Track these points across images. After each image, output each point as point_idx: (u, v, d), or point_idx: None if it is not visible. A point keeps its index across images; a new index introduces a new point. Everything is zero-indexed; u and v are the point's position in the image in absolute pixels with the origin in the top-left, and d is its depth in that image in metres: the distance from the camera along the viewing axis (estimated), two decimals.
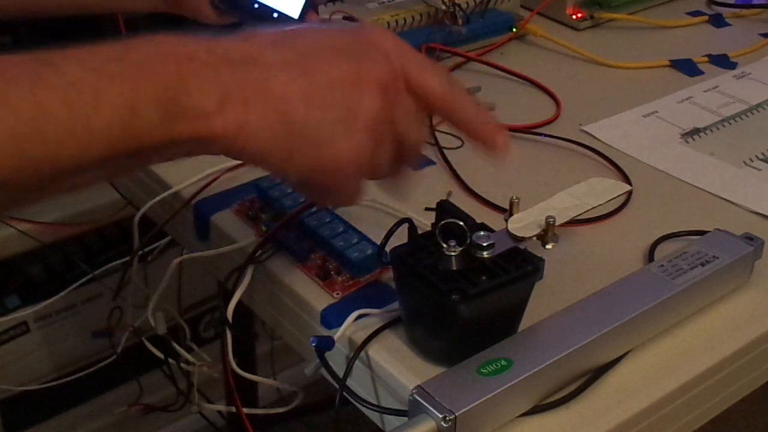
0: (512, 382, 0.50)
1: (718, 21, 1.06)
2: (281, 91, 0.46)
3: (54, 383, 1.13)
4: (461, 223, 0.52)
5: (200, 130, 0.44)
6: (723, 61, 0.96)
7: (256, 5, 0.76)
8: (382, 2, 0.92)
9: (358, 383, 0.56)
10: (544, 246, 0.54)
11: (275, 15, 0.76)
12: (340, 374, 0.55)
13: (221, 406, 0.69)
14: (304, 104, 0.46)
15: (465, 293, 0.50)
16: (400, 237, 0.55)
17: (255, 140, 0.45)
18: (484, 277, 0.51)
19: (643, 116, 0.85)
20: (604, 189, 0.59)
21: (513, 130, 0.80)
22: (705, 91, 0.90)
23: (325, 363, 0.56)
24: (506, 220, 0.55)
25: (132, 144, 0.43)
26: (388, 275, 0.59)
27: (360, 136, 0.47)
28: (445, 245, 0.51)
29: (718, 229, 0.63)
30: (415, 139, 0.51)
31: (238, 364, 0.59)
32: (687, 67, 0.94)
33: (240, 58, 0.46)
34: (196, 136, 0.44)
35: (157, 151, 0.45)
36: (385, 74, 0.48)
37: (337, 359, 0.56)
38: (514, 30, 0.97)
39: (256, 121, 0.45)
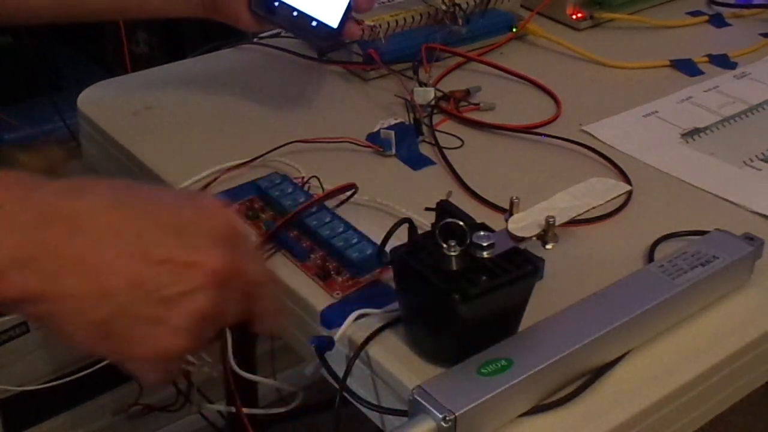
0: (512, 382, 0.50)
1: (718, 21, 1.06)
2: (100, 266, 0.40)
3: (54, 383, 1.12)
4: (461, 223, 0.52)
5: None
6: (723, 61, 0.96)
7: (295, 13, 0.75)
8: (382, 2, 0.92)
9: (358, 383, 0.56)
10: (544, 246, 0.54)
11: (314, 24, 0.75)
12: (340, 374, 0.55)
13: (221, 406, 0.68)
14: (127, 287, 0.40)
15: (465, 293, 0.50)
16: (400, 237, 0.55)
17: (53, 316, 0.40)
18: (484, 277, 0.51)
19: (644, 116, 0.85)
20: (604, 189, 0.59)
21: (513, 130, 0.80)
22: (705, 91, 0.90)
23: (325, 363, 0.56)
24: (506, 220, 0.55)
25: None
26: (388, 275, 0.59)
27: (179, 334, 0.42)
28: (445, 245, 0.51)
29: (718, 229, 0.63)
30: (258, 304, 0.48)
31: (238, 364, 0.59)
32: (687, 67, 0.94)
33: (61, 216, 0.40)
34: None
35: None
36: (220, 265, 0.43)
37: (337, 359, 0.56)
38: (515, 30, 0.97)
39: (57, 294, 0.39)
